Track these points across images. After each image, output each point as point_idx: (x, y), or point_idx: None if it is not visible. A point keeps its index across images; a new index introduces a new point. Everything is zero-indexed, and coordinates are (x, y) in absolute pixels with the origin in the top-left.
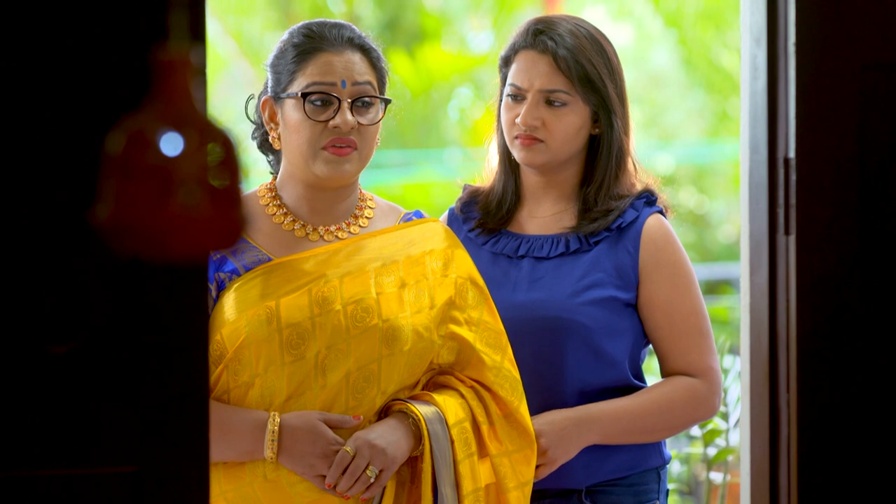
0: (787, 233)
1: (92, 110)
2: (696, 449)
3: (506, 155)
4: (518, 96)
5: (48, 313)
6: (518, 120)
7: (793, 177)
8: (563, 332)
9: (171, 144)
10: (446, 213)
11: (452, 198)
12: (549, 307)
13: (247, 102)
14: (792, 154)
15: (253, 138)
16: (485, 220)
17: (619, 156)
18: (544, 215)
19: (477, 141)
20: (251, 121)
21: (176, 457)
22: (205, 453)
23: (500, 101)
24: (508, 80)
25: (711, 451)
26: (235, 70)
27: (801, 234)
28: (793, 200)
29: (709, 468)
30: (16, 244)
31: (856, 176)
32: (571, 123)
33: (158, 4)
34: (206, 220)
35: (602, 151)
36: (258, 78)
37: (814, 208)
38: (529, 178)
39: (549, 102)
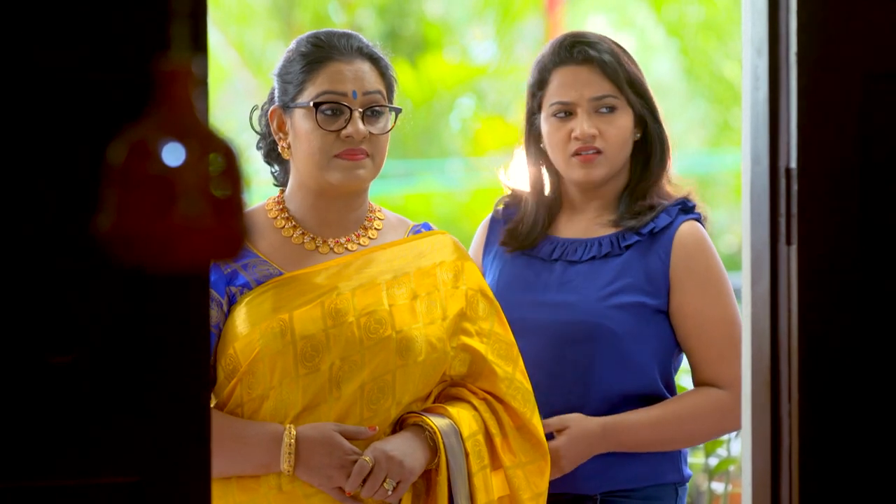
0: (788, 243)
1: (94, 121)
2: (698, 459)
3: (537, 184)
4: (567, 112)
5: (50, 323)
6: (575, 134)
7: (794, 187)
8: (589, 336)
9: (173, 155)
10: (487, 218)
11: (454, 208)
12: (576, 310)
13: (251, 113)
14: (793, 164)
15: (258, 148)
16: (511, 243)
17: (665, 153)
18: (584, 221)
19: (478, 151)
20: (256, 131)
21: (177, 467)
22: (206, 463)
23: (529, 130)
24: (551, 101)
25: (713, 462)
26: (237, 80)
27: (802, 244)
28: (794, 210)
29: (710, 478)
30: (17, 254)
31: (857, 185)
32: (624, 127)
33: (160, 15)
34: (208, 230)
35: (654, 150)
36: (260, 88)
37: (815, 218)
38: (572, 191)
39: (599, 111)
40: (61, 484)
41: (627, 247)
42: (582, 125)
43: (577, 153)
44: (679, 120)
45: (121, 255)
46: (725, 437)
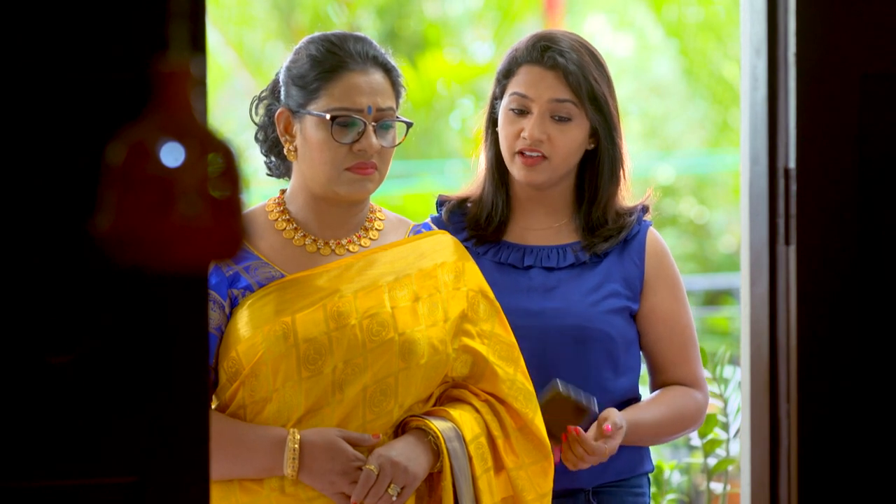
0: (787, 243)
1: (92, 121)
2: (697, 459)
3: (496, 167)
4: (523, 110)
5: (49, 324)
6: (524, 133)
7: (793, 187)
8: (585, 341)
9: (172, 155)
10: (428, 220)
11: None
12: (570, 316)
13: (251, 104)
14: (792, 164)
15: (256, 140)
16: (477, 232)
17: (617, 172)
18: (541, 227)
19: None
20: (255, 122)
21: (177, 467)
22: (205, 463)
23: (490, 113)
24: (510, 93)
25: (712, 462)
26: (236, 81)
27: (801, 244)
28: (793, 210)
29: (709, 478)
30: (17, 255)
31: (855, 185)
32: (575, 139)
33: (159, 15)
34: (207, 230)
35: (604, 168)
36: (259, 88)
37: (814, 218)
38: (522, 191)
39: (554, 118)
40: (61, 484)
41: (606, 253)
42: (532, 128)
43: (521, 152)
44: (678, 120)
45: (120, 255)
46: (724, 437)
